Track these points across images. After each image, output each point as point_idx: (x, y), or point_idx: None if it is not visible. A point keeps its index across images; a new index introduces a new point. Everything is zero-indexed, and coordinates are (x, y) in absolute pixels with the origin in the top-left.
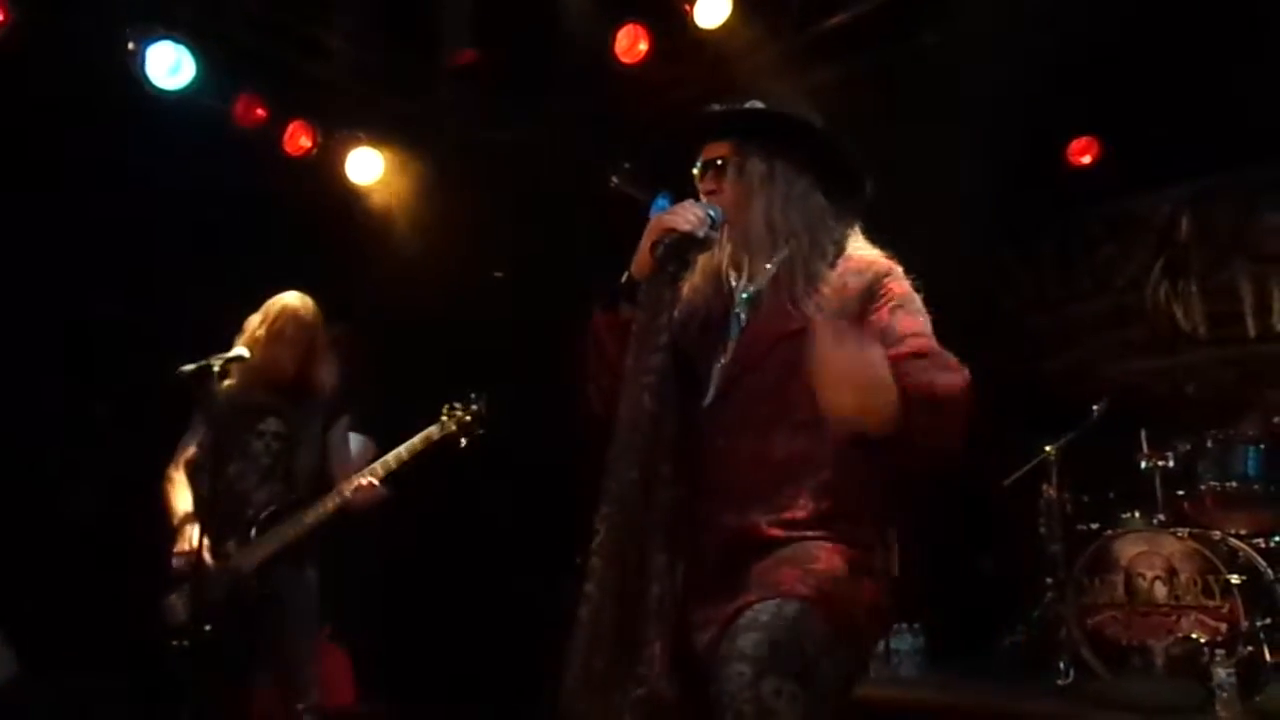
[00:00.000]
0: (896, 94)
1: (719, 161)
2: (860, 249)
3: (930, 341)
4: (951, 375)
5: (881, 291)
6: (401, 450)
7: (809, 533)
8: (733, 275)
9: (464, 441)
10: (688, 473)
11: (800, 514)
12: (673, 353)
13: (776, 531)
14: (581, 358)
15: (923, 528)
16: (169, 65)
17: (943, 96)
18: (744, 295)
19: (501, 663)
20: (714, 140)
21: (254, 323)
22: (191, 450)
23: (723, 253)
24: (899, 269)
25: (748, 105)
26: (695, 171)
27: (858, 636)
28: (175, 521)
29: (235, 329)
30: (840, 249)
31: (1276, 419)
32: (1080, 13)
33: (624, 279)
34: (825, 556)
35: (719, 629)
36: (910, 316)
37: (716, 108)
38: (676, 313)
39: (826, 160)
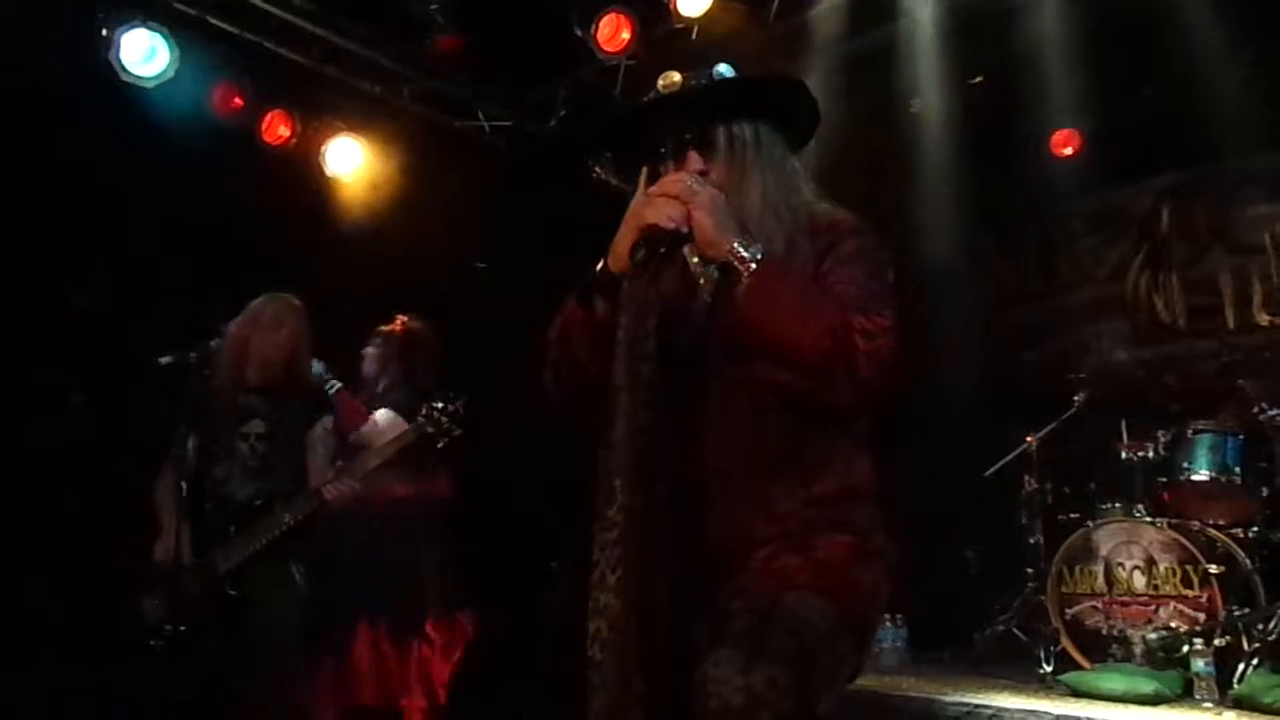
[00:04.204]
0: (880, 82)
1: (701, 136)
2: (825, 208)
3: (857, 287)
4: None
5: (836, 250)
6: (378, 451)
7: (807, 520)
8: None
9: (441, 443)
10: (681, 481)
11: (796, 502)
12: (659, 356)
13: (773, 529)
14: (546, 351)
15: (904, 518)
16: (143, 53)
17: (927, 86)
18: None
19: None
20: (693, 116)
21: (239, 323)
22: (181, 449)
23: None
24: (863, 227)
25: (715, 73)
26: (670, 150)
27: (859, 627)
28: (159, 520)
29: (213, 319)
30: (812, 212)
31: (1255, 410)
32: (1063, 5)
33: (599, 268)
34: (825, 544)
35: (712, 618)
36: (850, 267)
37: (677, 76)
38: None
39: (794, 118)
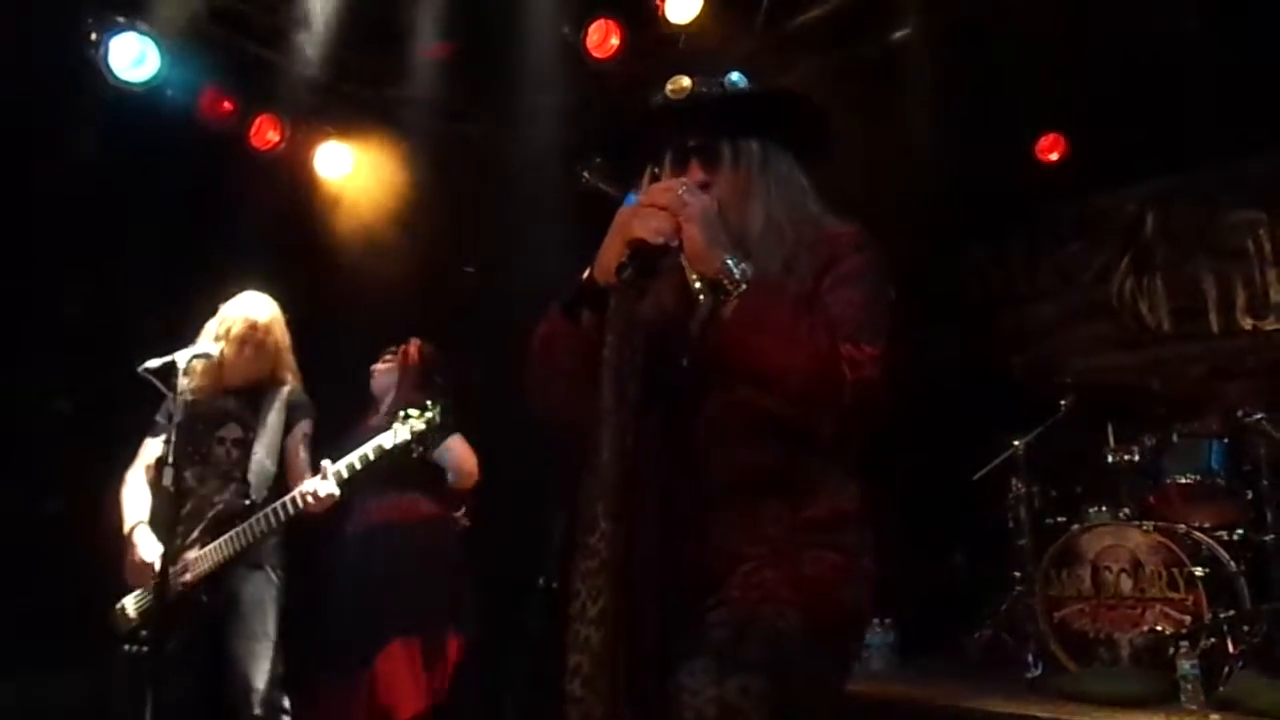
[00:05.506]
0: (867, 89)
1: (706, 147)
2: (829, 220)
3: (854, 311)
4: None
5: (837, 268)
6: (354, 458)
7: (796, 541)
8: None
9: (418, 450)
10: (667, 506)
11: (784, 526)
12: (649, 377)
13: (760, 548)
14: (528, 360)
15: (893, 523)
16: (133, 57)
17: (913, 93)
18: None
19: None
20: (700, 126)
21: (213, 328)
22: (155, 453)
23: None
24: (865, 241)
25: (727, 82)
26: (672, 158)
27: (838, 644)
28: (127, 525)
29: (202, 325)
30: (816, 226)
31: (1240, 413)
32: (1051, 11)
33: (585, 276)
34: (812, 561)
35: (692, 631)
36: (849, 289)
37: (686, 81)
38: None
39: (807, 134)
